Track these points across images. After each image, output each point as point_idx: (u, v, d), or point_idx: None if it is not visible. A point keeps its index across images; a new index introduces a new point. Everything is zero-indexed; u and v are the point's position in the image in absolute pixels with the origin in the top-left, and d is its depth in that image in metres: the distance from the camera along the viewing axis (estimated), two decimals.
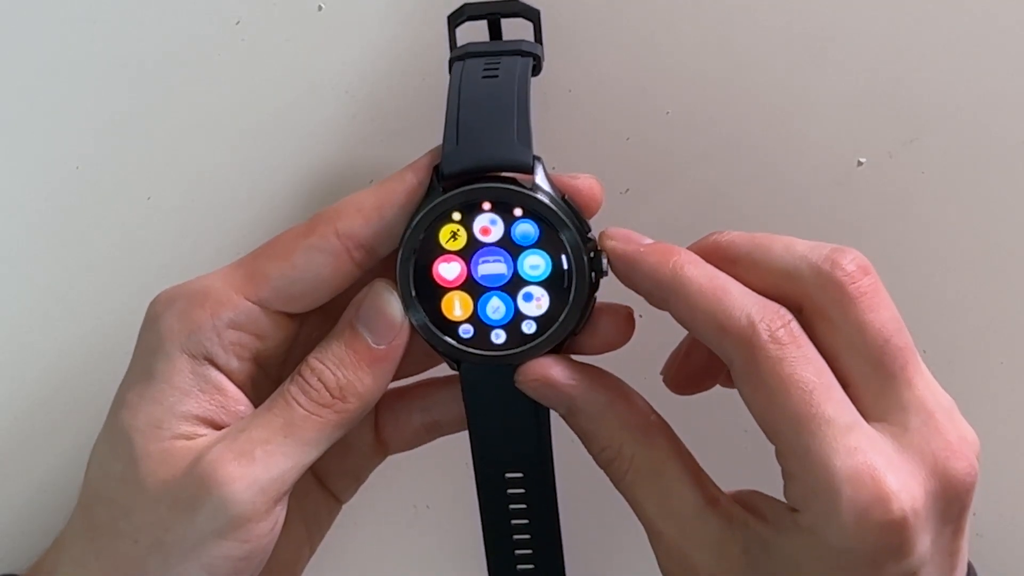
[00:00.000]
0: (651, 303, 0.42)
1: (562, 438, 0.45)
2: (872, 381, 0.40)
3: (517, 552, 0.47)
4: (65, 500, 0.45)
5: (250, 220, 0.52)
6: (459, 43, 0.47)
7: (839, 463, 0.38)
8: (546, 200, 0.42)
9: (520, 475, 0.45)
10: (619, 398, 0.43)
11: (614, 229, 0.43)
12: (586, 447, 0.44)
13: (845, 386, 0.40)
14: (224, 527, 0.40)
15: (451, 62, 0.46)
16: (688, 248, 0.43)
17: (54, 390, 0.53)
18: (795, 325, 0.40)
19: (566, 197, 0.42)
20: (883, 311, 0.40)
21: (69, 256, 0.52)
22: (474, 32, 0.48)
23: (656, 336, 0.45)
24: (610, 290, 0.43)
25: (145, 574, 0.41)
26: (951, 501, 0.39)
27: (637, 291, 0.43)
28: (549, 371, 0.43)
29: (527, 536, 0.46)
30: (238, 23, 0.51)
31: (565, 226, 0.42)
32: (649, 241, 0.43)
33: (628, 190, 0.52)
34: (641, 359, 0.45)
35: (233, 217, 0.52)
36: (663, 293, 0.41)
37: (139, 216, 0.52)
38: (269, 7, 0.51)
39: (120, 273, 0.53)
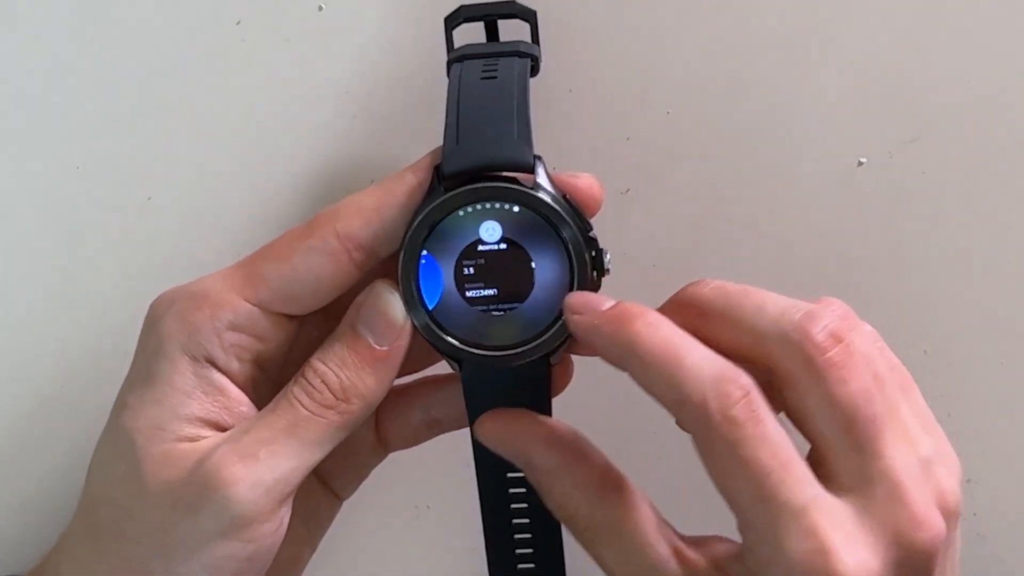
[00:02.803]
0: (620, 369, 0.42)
1: None
2: (839, 452, 0.40)
3: (518, 552, 0.47)
4: (66, 501, 0.45)
5: (250, 220, 0.52)
6: (456, 45, 0.47)
7: (793, 546, 0.38)
8: (547, 199, 0.42)
9: (521, 475, 0.45)
10: (575, 457, 0.43)
11: (573, 298, 0.42)
12: (543, 501, 0.43)
13: (814, 450, 0.40)
14: (228, 528, 0.40)
15: (449, 64, 0.46)
16: (671, 298, 0.43)
17: (54, 390, 0.53)
18: (753, 397, 0.39)
19: (567, 196, 0.42)
20: (852, 382, 0.39)
21: (69, 256, 0.52)
22: (471, 34, 0.48)
23: None
24: (612, 291, 0.43)
25: (149, 575, 0.41)
26: (914, 569, 0.39)
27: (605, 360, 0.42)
28: (507, 426, 0.43)
29: (528, 536, 0.46)
30: (238, 23, 0.51)
31: (566, 225, 0.42)
32: (609, 305, 0.41)
33: (628, 190, 0.52)
34: None
35: (233, 217, 0.52)
36: (622, 364, 0.41)
37: (139, 216, 0.52)
38: (269, 7, 0.51)
39: (120, 273, 0.53)
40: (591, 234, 0.42)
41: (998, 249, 0.53)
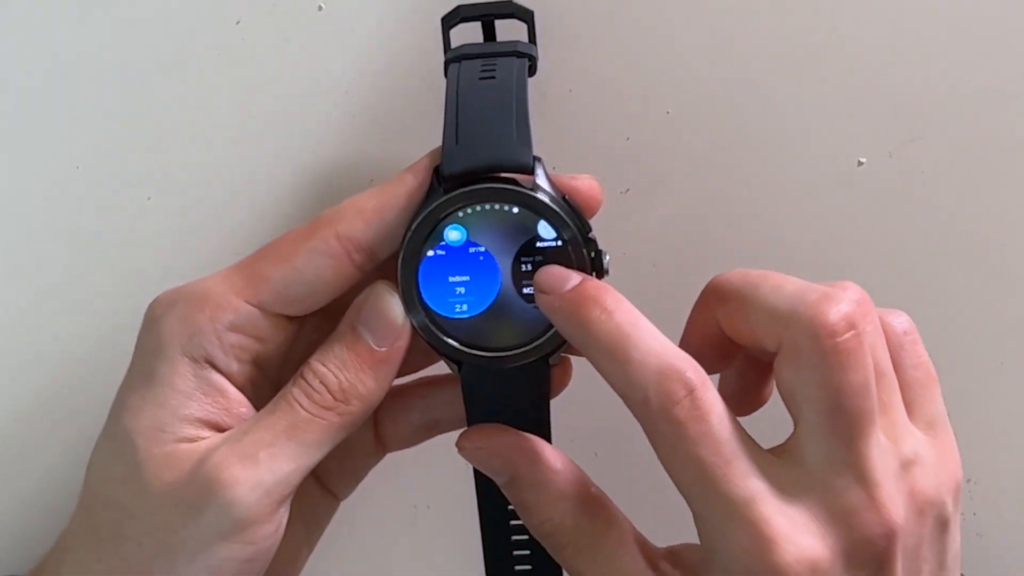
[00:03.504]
0: None
1: (562, 440, 0.45)
2: (815, 437, 0.40)
3: (515, 553, 0.47)
4: (66, 501, 0.45)
5: (250, 220, 0.52)
6: (453, 45, 0.47)
7: (736, 537, 0.39)
8: (547, 200, 0.42)
9: None
10: (559, 470, 0.43)
11: (542, 275, 0.42)
12: (524, 519, 0.44)
13: (795, 433, 0.40)
14: (229, 529, 0.40)
15: (447, 64, 0.46)
16: (702, 291, 0.43)
17: (53, 390, 0.53)
18: (698, 394, 0.39)
19: (566, 197, 0.42)
20: (851, 373, 0.39)
21: (69, 256, 0.52)
22: (468, 34, 0.48)
23: None
24: None
25: None
26: (867, 559, 0.39)
27: None
28: (492, 440, 0.43)
29: (525, 537, 0.46)
30: (238, 23, 0.51)
31: (566, 225, 0.42)
32: (574, 283, 0.41)
33: (628, 190, 0.52)
34: None
35: (233, 217, 0.52)
36: (581, 351, 0.41)
37: (139, 216, 0.52)
38: (269, 7, 0.51)
39: (120, 273, 0.53)
40: (590, 235, 0.42)
41: (998, 249, 0.53)
